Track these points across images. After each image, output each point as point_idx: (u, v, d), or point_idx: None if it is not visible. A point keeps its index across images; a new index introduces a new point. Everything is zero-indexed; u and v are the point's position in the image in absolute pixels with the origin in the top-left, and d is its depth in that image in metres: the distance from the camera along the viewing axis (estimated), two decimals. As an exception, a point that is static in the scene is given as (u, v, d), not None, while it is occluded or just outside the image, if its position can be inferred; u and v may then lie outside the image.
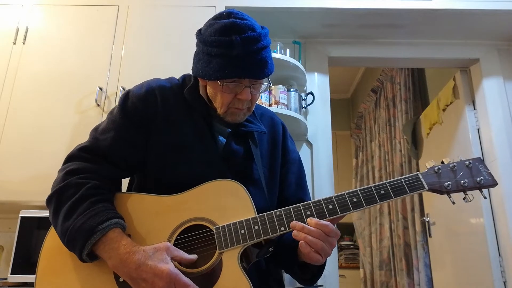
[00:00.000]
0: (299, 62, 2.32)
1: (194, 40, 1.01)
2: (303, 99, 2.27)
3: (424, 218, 2.98)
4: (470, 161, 0.93)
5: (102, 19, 2.09)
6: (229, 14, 0.95)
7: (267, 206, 0.98)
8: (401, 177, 0.91)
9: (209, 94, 1.02)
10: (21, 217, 1.72)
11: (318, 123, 2.32)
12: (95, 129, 1.02)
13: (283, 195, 1.08)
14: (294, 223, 0.87)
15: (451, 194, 0.91)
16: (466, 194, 0.91)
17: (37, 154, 1.83)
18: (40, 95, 1.94)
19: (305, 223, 0.87)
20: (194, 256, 0.86)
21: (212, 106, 1.02)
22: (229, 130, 1.04)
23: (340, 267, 4.07)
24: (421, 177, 0.91)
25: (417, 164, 3.25)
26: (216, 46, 0.91)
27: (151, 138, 1.00)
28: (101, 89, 1.94)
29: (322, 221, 0.86)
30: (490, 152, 2.32)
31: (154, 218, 0.92)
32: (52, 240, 0.91)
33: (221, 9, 2.06)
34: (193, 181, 0.94)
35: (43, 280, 0.89)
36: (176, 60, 1.98)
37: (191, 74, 1.05)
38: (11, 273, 1.64)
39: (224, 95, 0.96)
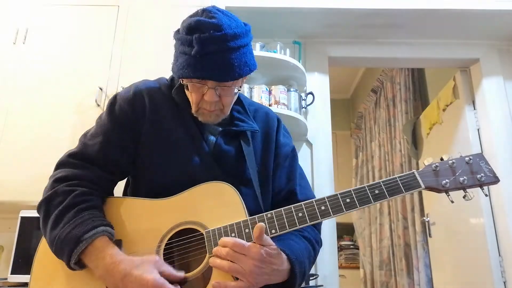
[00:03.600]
0: (299, 62, 2.32)
1: (194, 41, 0.99)
2: (303, 99, 2.27)
3: (424, 218, 2.97)
4: (471, 157, 0.88)
5: (102, 19, 2.08)
6: (203, 11, 0.91)
7: (259, 207, 0.96)
8: (396, 176, 0.87)
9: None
10: (21, 217, 1.72)
11: (318, 123, 2.31)
12: (84, 135, 1.01)
13: (275, 190, 1.05)
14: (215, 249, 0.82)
15: (450, 192, 0.87)
16: (466, 192, 0.87)
17: (37, 154, 1.83)
18: (40, 95, 1.93)
19: (297, 225, 0.84)
20: (181, 274, 0.82)
21: None
22: (220, 129, 1.01)
23: (340, 267, 4.07)
24: (417, 175, 0.87)
25: (417, 164, 3.25)
26: (181, 44, 0.90)
27: (141, 140, 0.98)
28: (101, 89, 1.94)
29: (234, 241, 0.81)
30: (490, 152, 2.32)
31: (145, 222, 0.91)
32: (46, 245, 0.90)
33: (221, 9, 2.06)
34: (185, 181, 0.93)
35: (36, 285, 0.89)
36: (176, 60, 1.98)
37: None
38: (11, 273, 1.64)
39: (192, 94, 0.94)
